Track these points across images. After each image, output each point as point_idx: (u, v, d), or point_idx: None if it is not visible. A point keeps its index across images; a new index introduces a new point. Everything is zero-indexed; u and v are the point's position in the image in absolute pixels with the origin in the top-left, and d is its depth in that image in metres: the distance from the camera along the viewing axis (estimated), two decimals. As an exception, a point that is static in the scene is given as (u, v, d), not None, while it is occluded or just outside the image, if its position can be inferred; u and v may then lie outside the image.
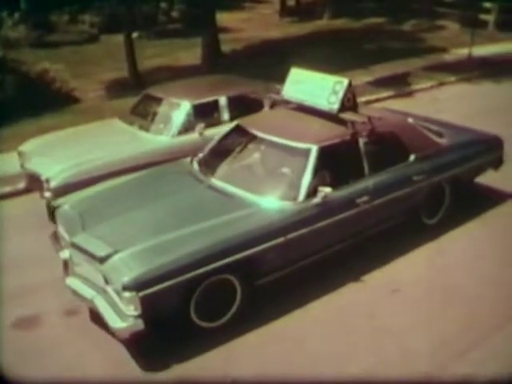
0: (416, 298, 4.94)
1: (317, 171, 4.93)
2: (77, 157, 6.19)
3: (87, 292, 4.41)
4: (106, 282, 4.24)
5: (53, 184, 5.88)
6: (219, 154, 5.73)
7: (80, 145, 6.60)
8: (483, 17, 16.53)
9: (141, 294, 3.97)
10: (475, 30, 13.47)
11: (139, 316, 4.02)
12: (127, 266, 4.12)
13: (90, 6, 18.14)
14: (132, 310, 4.01)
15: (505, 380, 4.02)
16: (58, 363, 4.26)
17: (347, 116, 5.35)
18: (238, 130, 5.81)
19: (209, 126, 6.67)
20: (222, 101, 6.95)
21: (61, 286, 4.67)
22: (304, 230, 4.76)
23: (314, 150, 4.99)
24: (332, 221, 4.96)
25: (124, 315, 4.06)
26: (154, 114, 6.98)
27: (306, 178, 4.86)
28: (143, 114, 7.11)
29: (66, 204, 5.18)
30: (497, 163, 6.49)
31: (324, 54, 14.04)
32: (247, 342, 4.41)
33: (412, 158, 5.66)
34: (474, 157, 6.25)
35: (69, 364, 4.25)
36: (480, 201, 6.51)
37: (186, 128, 6.62)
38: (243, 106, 7.06)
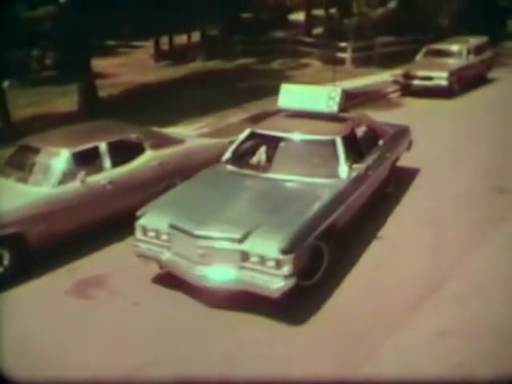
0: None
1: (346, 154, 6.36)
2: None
3: (227, 274, 5.13)
4: (244, 258, 5.04)
5: None
6: (249, 155, 7.07)
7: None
8: (341, 55, 18.33)
9: (293, 255, 4.92)
10: (335, 67, 14.88)
11: (291, 275, 4.92)
12: (272, 238, 5.00)
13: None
14: (286, 271, 4.91)
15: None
16: None
17: (344, 115, 7.06)
18: (254, 136, 7.09)
19: (90, 173, 6.71)
20: (102, 147, 6.94)
21: None
22: (352, 198, 6.15)
23: (339, 139, 6.45)
24: (361, 190, 6.46)
25: (276, 277, 4.91)
26: (32, 165, 6.79)
27: (342, 160, 6.29)
28: (20, 166, 6.91)
29: (147, 215, 5.74)
30: (409, 146, 8.60)
31: (200, 94, 14.68)
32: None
33: (381, 142, 7.46)
34: (403, 141, 8.33)
35: None
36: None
37: (67, 177, 6.53)
38: (124, 151, 7.19)
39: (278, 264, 4.92)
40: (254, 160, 7.05)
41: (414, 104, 13.91)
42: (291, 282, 4.95)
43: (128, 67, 20.74)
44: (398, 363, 4.52)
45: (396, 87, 15.39)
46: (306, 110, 7.04)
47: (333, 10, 25.10)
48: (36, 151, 6.90)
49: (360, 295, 5.52)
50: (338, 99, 6.84)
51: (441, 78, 14.17)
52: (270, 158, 6.83)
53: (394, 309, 5.26)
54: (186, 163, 7.73)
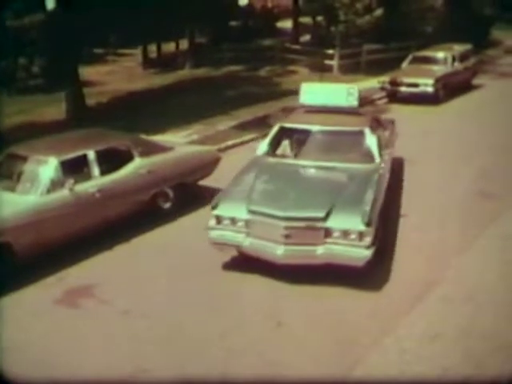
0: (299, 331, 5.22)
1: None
2: None
3: (313, 251, 5.66)
4: (326, 234, 5.61)
5: None
6: (283, 147, 7.54)
7: None
8: (328, 62, 18.46)
9: (372, 227, 5.62)
10: (323, 74, 15.00)
11: (371, 245, 5.58)
12: (355, 213, 5.64)
13: None
14: (368, 241, 5.55)
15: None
16: None
17: (362, 109, 7.93)
18: (284, 130, 7.64)
19: (79, 181, 6.66)
20: (91, 155, 6.92)
21: None
22: (384, 180, 6.79)
23: (367, 130, 7.21)
24: (387, 175, 7.14)
25: (360, 248, 5.54)
26: (20, 174, 6.75)
27: (375, 148, 6.99)
28: (7, 175, 6.87)
29: (220, 205, 6.06)
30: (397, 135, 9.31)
31: (188, 102, 14.69)
32: None
33: (386, 133, 8.21)
34: (394, 132, 9.04)
35: None
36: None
37: (55, 185, 6.49)
38: (113, 159, 7.18)
39: (361, 236, 5.54)
40: (290, 151, 7.56)
41: (400, 110, 14.02)
42: (372, 251, 5.58)
43: (116, 75, 20.70)
44: (389, 366, 4.55)
45: (383, 94, 15.54)
46: (327, 106, 7.71)
47: (320, 18, 25.27)
48: (24, 159, 6.87)
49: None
50: (356, 95, 7.59)
51: (427, 84, 14.33)
52: (306, 149, 7.31)
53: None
54: (175, 171, 7.76)
